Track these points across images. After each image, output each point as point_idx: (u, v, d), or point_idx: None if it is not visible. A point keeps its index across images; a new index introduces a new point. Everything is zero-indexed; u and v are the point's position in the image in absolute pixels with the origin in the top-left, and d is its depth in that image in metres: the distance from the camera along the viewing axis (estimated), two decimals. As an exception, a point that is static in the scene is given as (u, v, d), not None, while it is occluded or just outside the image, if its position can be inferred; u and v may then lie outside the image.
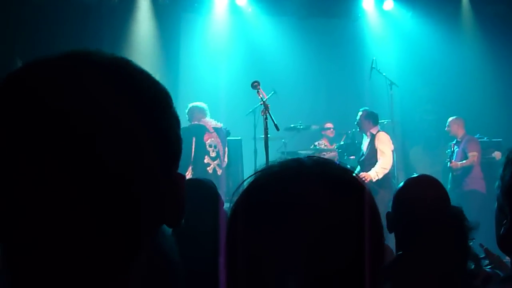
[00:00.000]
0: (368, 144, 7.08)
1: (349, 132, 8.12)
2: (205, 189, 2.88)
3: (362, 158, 7.12)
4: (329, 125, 8.47)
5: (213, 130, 7.11)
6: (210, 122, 7.19)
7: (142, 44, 8.59)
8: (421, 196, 2.04)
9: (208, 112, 7.25)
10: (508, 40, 8.71)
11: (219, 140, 7.09)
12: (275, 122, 5.40)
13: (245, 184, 0.88)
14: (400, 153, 8.73)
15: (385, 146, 6.94)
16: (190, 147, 6.80)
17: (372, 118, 7.15)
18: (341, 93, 9.50)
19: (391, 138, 7.17)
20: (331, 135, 8.45)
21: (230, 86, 8.71)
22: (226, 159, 7.21)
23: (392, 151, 7.00)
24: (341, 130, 8.41)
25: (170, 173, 0.67)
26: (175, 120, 0.69)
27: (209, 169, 6.91)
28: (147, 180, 0.63)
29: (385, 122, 7.93)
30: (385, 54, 9.15)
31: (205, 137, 7.01)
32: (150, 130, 0.63)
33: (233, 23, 9.60)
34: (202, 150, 6.93)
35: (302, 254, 0.77)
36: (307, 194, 0.81)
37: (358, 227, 0.79)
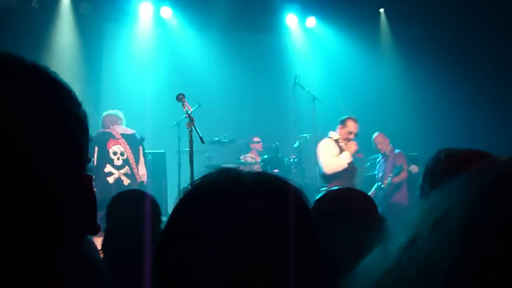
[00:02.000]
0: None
1: (273, 145, 8.22)
2: (133, 198, 2.84)
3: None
4: (257, 139, 8.52)
5: (120, 136, 6.56)
6: (119, 128, 6.62)
7: (63, 52, 8.31)
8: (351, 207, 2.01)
9: (122, 119, 6.81)
10: (423, 59, 9.18)
11: (127, 147, 6.52)
12: (200, 135, 5.38)
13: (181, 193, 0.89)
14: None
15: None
16: (92, 156, 6.30)
17: None
18: (266, 107, 9.61)
19: (314, 151, 7.28)
20: (260, 149, 8.50)
21: (155, 98, 8.59)
22: (142, 168, 6.65)
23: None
24: (265, 143, 8.49)
25: (75, 174, 0.63)
26: (73, 118, 0.64)
27: (110, 179, 6.31)
28: (50, 176, 0.59)
29: (307, 136, 8.09)
30: (308, 69, 9.38)
31: (109, 144, 6.43)
32: (45, 125, 0.60)
33: (158, 35, 9.52)
34: (104, 158, 6.37)
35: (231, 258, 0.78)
36: (243, 200, 0.83)
37: (289, 229, 0.82)
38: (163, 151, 7.75)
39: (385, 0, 9.84)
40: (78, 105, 0.66)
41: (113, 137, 6.48)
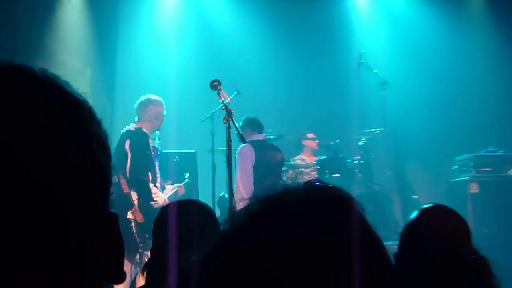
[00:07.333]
0: None
1: (332, 143, 8.13)
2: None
3: None
4: (311, 135, 8.41)
5: None
6: None
7: (70, 30, 8.36)
8: (437, 233, 2.06)
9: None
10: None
11: None
12: (241, 132, 5.37)
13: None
14: (394, 169, 8.81)
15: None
16: None
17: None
18: (321, 94, 9.53)
19: (384, 150, 7.19)
20: (316, 148, 8.38)
21: (181, 84, 8.63)
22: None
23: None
24: (322, 140, 8.42)
25: (100, 209, 0.66)
26: (95, 142, 0.66)
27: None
28: (73, 211, 0.61)
29: (376, 132, 7.98)
30: (376, 45, 9.26)
31: None
32: (66, 149, 0.62)
33: (185, 4, 9.56)
34: None
35: None
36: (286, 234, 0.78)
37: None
38: (193, 150, 7.78)
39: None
40: (99, 124, 0.68)
41: None
